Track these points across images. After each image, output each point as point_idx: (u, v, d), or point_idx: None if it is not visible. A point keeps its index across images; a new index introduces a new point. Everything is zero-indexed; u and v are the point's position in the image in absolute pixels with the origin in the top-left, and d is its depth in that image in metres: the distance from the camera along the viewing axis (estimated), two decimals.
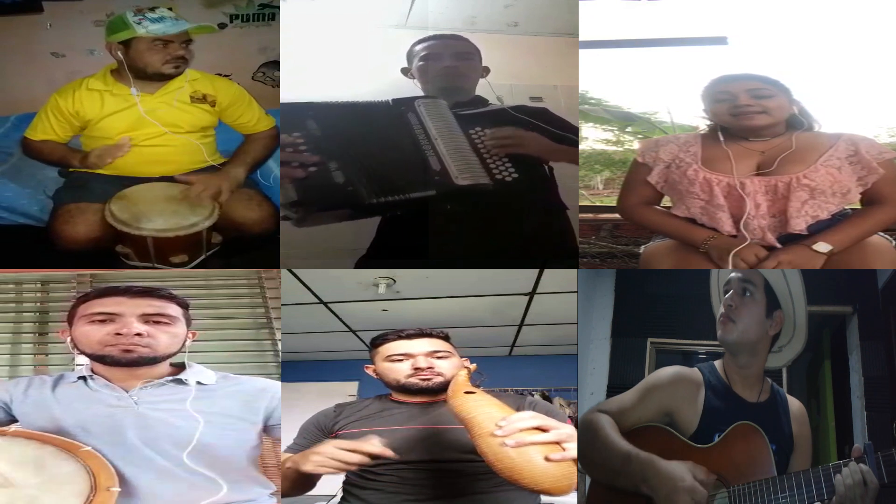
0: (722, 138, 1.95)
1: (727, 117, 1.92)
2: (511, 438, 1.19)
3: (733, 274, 1.74)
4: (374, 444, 1.35)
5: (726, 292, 1.75)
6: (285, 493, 1.50)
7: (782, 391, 1.79)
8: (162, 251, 2.07)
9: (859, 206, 1.93)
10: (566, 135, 2.15)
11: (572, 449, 1.21)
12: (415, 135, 2.04)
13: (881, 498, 1.37)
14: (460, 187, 1.94)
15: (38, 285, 2.58)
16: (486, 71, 2.28)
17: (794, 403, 1.77)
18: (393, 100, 2.13)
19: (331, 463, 1.35)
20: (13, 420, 1.44)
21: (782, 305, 1.73)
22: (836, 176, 1.84)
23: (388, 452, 1.35)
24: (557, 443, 1.21)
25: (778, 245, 1.86)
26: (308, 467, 1.36)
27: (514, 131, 2.06)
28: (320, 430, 1.69)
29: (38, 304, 2.57)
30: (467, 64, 2.24)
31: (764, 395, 1.73)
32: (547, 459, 1.17)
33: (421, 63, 2.22)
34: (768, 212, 1.88)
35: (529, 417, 1.24)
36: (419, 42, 2.26)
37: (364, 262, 2.17)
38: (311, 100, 2.07)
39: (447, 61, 2.20)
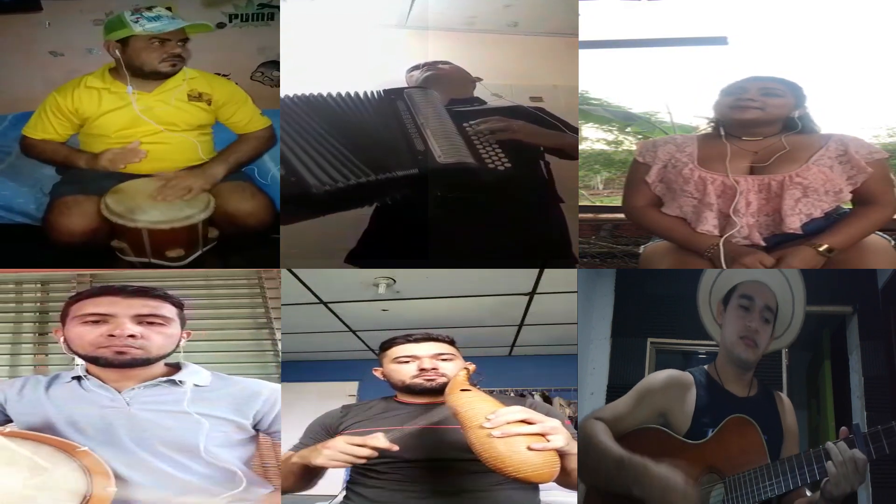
0: (723, 132, 1.97)
1: (726, 110, 1.93)
2: (497, 430, 1.26)
3: (757, 300, 1.72)
4: (381, 440, 1.41)
5: (743, 307, 1.73)
6: (287, 489, 1.51)
7: (767, 387, 1.81)
8: (158, 245, 2.06)
9: (852, 206, 1.94)
10: (559, 125, 2.18)
11: (556, 440, 1.27)
12: (402, 120, 2.08)
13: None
14: (443, 166, 1.95)
15: (38, 285, 2.58)
16: (479, 79, 2.45)
17: (779, 395, 1.80)
18: (384, 90, 2.18)
19: (341, 457, 1.40)
20: (8, 420, 1.44)
21: (781, 307, 1.74)
22: (828, 175, 1.85)
23: (393, 447, 1.41)
24: (542, 434, 1.27)
25: (763, 243, 1.88)
26: (320, 461, 1.41)
27: (502, 119, 2.11)
28: (326, 430, 1.71)
29: (38, 304, 2.57)
30: (448, 65, 2.44)
31: (753, 389, 1.75)
32: (530, 449, 1.24)
33: (410, 74, 2.43)
34: (760, 211, 1.90)
35: (517, 411, 1.30)
36: (409, 68, 2.49)
37: (354, 256, 2.18)
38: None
39: (427, 63, 2.42)
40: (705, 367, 1.79)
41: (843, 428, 1.45)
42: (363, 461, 1.42)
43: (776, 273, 1.76)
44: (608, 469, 1.61)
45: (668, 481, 1.52)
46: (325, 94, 2.14)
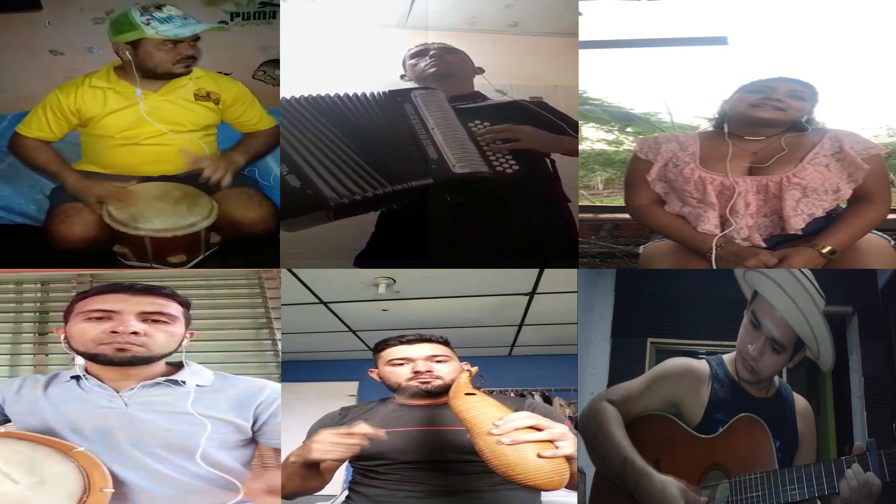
0: (727, 129, 1.96)
1: (745, 107, 1.91)
2: (507, 437, 1.25)
3: (765, 328, 1.66)
4: (364, 427, 1.42)
5: (753, 324, 1.68)
6: (293, 492, 1.50)
7: (789, 388, 1.77)
8: (160, 251, 2.05)
9: (848, 204, 1.93)
10: (564, 126, 2.17)
11: (565, 447, 1.26)
12: (411, 125, 2.06)
13: (884, 496, 1.38)
14: (458, 176, 1.94)
15: (38, 285, 2.58)
16: (481, 70, 2.40)
17: (800, 401, 1.77)
18: (390, 91, 2.16)
19: (331, 448, 1.42)
20: (7, 420, 1.44)
21: (808, 345, 1.68)
22: (825, 174, 1.84)
23: (380, 433, 1.43)
24: (551, 441, 1.26)
25: (763, 245, 1.87)
26: (315, 455, 1.42)
27: (509, 126, 2.08)
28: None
29: (38, 304, 2.57)
30: (454, 56, 2.39)
31: (771, 390, 1.73)
32: (539, 456, 1.23)
33: (412, 61, 2.37)
34: (758, 212, 1.89)
35: (525, 417, 1.29)
36: (411, 52, 2.43)
37: (363, 257, 2.17)
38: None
39: (433, 51, 2.37)
40: (725, 357, 1.77)
41: (858, 444, 1.42)
42: (356, 450, 1.43)
43: (796, 311, 1.65)
44: (613, 464, 1.61)
45: (667, 494, 1.50)
46: (330, 94, 2.12)
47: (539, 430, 1.27)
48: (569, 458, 1.28)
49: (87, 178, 2.12)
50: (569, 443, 1.27)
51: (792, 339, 1.65)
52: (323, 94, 2.12)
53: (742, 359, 1.70)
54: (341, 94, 2.12)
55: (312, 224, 1.94)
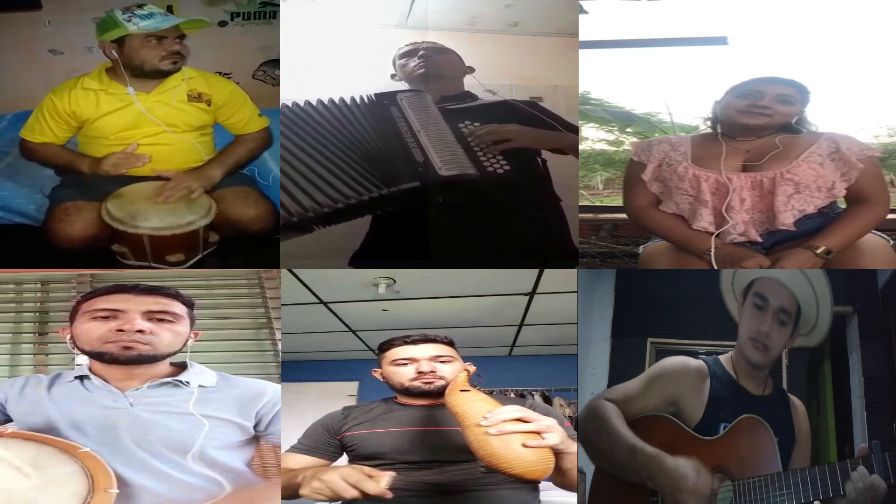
0: (720, 130, 1.99)
1: (735, 112, 1.94)
2: (494, 428, 1.27)
3: (771, 301, 1.69)
4: (378, 485, 1.32)
5: (757, 306, 1.70)
6: (292, 495, 1.50)
7: (782, 387, 1.80)
8: (158, 250, 2.06)
9: (846, 205, 1.95)
10: (556, 125, 2.17)
11: (551, 438, 1.28)
12: (398, 128, 2.06)
13: (889, 498, 1.38)
14: (445, 178, 1.95)
15: (38, 285, 2.58)
16: (471, 69, 2.40)
17: (794, 399, 1.78)
18: (376, 94, 2.15)
19: (327, 492, 1.35)
20: (9, 420, 1.44)
21: (804, 308, 1.70)
22: (819, 171, 1.86)
23: (388, 494, 1.33)
24: (538, 432, 1.28)
25: (760, 239, 1.90)
26: (304, 491, 1.38)
27: (495, 128, 2.07)
28: (328, 430, 1.71)
29: (38, 304, 2.57)
30: (444, 56, 2.39)
31: (768, 388, 1.74)
32: (524, 446, 1.25)
33: (402, 61, 2.38)
34: (754, 207, 1.91)
35: (514, 410, 1.31)
36: (401, 52, 2.44)
37: (357, 258, 2.17)
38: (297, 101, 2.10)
39: (423, 51, 2.37)
40: (721, 357, 1.78)
41: (863, 446, 1.41)
42: (355, 495, 1.34)
43: (796, 272, 1.72)
44: (621, 456, 1.61)
45: (679, 474, 1.52)
46: (310, 101, 2.10)
47: (526, 421, 1.29)
48: (556, 451, 1.29)
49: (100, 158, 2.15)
50: (556, 434, 1.28)
51: (794, 306, 1.69)
52: (301, 103, 2.10)
53: (753, 342, 1.70)
54: (324, 101, 2.11)
55: (292, 237, 1.96)
